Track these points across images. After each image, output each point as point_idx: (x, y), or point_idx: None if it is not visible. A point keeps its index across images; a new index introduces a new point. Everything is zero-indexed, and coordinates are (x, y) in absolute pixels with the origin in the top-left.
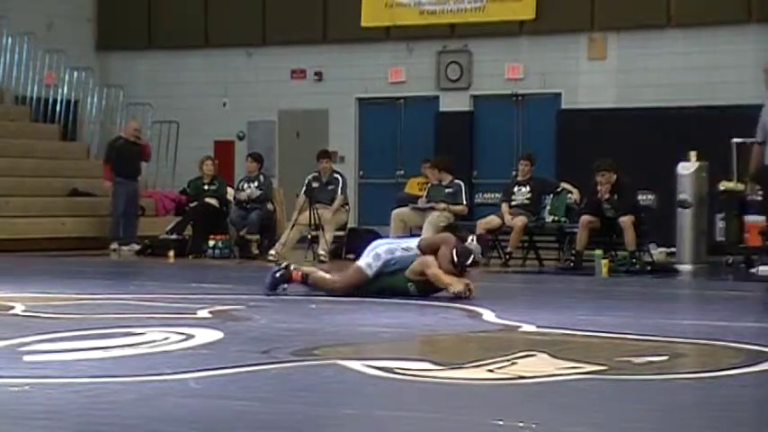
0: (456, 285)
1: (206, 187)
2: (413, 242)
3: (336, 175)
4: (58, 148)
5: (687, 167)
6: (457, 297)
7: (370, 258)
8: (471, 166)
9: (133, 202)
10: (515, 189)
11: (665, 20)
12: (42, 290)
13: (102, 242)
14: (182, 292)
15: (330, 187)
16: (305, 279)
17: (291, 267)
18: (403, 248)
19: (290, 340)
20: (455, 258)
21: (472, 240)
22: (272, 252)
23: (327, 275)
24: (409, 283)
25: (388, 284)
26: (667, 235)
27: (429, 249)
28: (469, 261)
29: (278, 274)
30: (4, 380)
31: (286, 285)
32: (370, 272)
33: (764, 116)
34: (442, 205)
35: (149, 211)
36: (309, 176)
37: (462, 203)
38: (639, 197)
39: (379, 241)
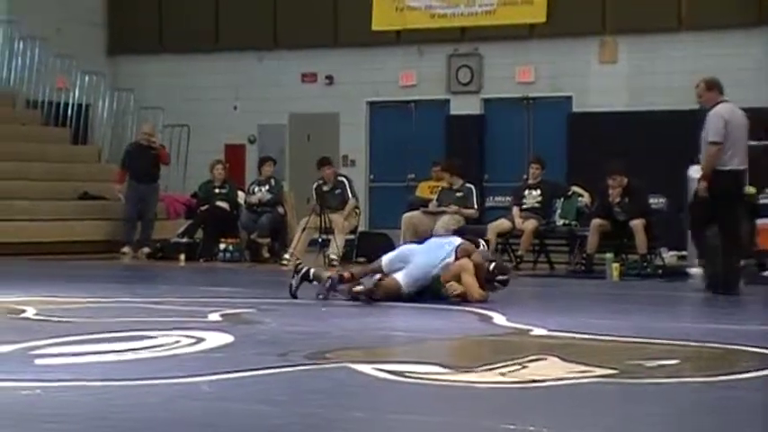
0: (476, 295)
1: (217, 191)
2: (451, 256)
3: (341, 179)
4: (69, 151)
5: (698, 171)
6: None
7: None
8: (482, 169)
9: (148, 206)
10: (526, 192)
11: (676, 23)
12: (53, 293)
13: (112, 245)
14: (192, 295)
15: (337, 191)
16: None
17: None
18: (442, 267)
19: (301, 343)
20: (490, 270)
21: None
22: (287, 257)
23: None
24: (443, 290)
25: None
26: (679, 238)
27: (464, 254)
28: (502, 278)
29: (329, 283)
30: (16, 383)
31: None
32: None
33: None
34: (453, 208)
35: (160, 215)
36: (315, 184)
37: (473, 207)
38: (651, 200)
39: (419, 260)
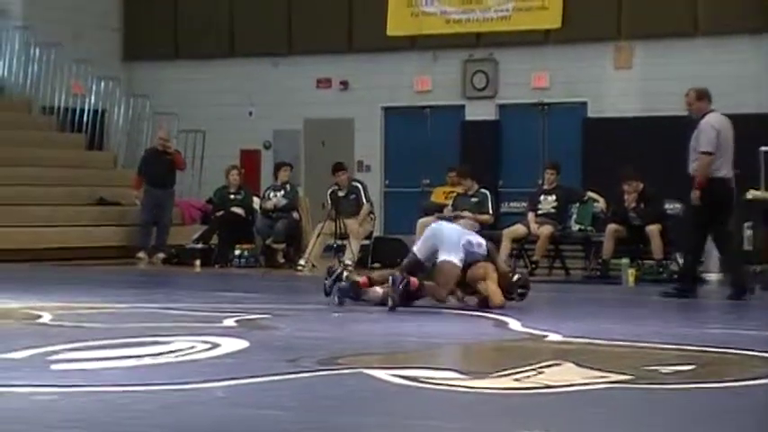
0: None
1: (232, 196)
2: (470, 234)
3: (355, 184)
4: (85, 157)
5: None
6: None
7: (462, 253)
8: (497, 174)
9: (163, 212)
10: (541, 198)
11: (692, 28)
12: (69, 299)
13: (128, 251)
14: (208, 300)
15: (352, 197)
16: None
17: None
18: (476, 244)
19: (316, 349)
20: (514, 280)
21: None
22: (302, 262)
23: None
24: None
25: None
26: None
27: (491, 258)
28: (522, 291)
29: (338, 295)
30: (32, 389)
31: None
32: (461, 265)
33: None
34: (468, 213)
35: (176, 220)
36: (329, 190)
37: (488, 213)
38: (666, 206)
39: (451, 236)
